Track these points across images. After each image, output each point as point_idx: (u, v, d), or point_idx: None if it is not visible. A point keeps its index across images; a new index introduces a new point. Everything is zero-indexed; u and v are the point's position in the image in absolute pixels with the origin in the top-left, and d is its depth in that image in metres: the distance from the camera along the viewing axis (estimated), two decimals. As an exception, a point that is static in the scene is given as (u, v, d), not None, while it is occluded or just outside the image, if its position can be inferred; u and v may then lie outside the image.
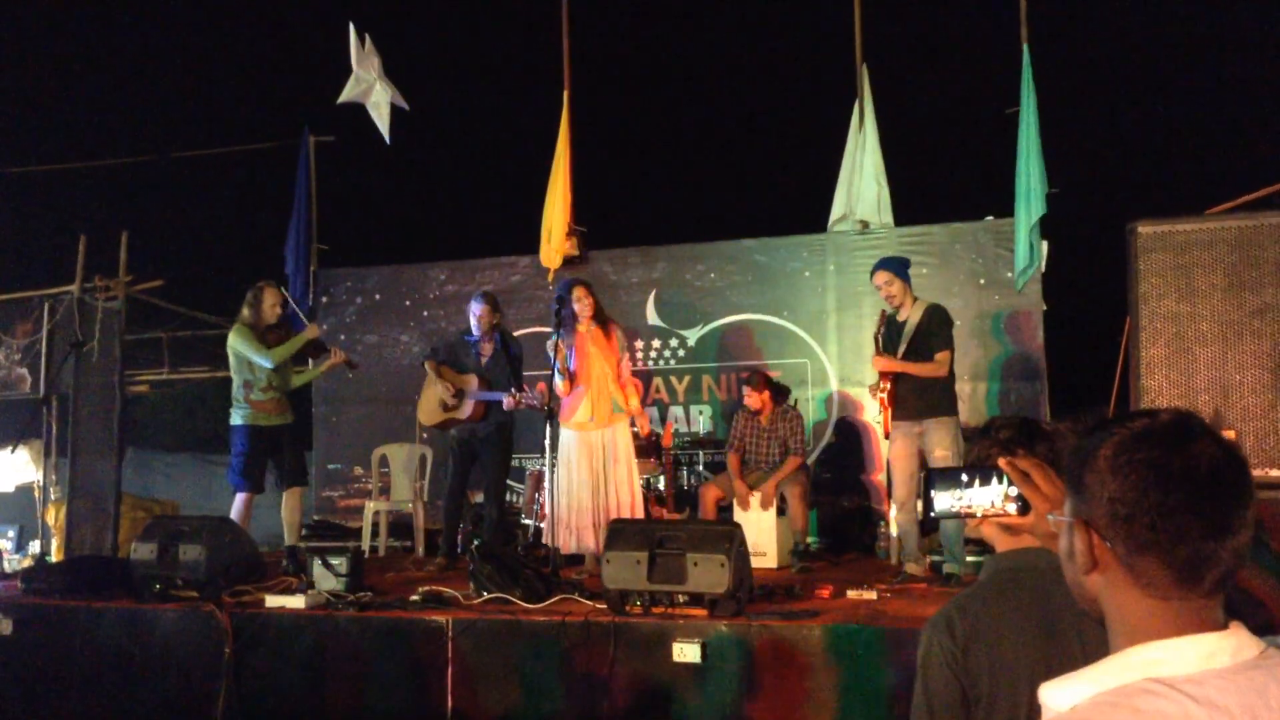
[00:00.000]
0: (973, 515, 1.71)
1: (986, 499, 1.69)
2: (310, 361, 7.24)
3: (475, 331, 7.05)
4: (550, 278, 8.95)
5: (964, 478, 1.70)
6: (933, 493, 1.69)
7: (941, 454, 5.77)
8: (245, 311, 6.75)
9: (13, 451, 9.18)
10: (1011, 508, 1.68)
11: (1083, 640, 1.98)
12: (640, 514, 6.58)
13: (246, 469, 6.63)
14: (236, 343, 6.67)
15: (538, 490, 7.80)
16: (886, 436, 6.04)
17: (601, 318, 6.63)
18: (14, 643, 5.58)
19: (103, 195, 13.82)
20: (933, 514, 1.68)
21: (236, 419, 6.69)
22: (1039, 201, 7.35)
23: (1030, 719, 1.99)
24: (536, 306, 9.06)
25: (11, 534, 9.45)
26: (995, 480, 1.69)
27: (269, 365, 6.59)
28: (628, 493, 6.53)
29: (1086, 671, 1.19)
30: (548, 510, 6.59)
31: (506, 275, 9.34)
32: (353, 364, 7.22)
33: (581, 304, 6.53)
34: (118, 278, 8.17)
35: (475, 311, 7.03)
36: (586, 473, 6.48)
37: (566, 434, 6.57)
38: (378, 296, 9.69)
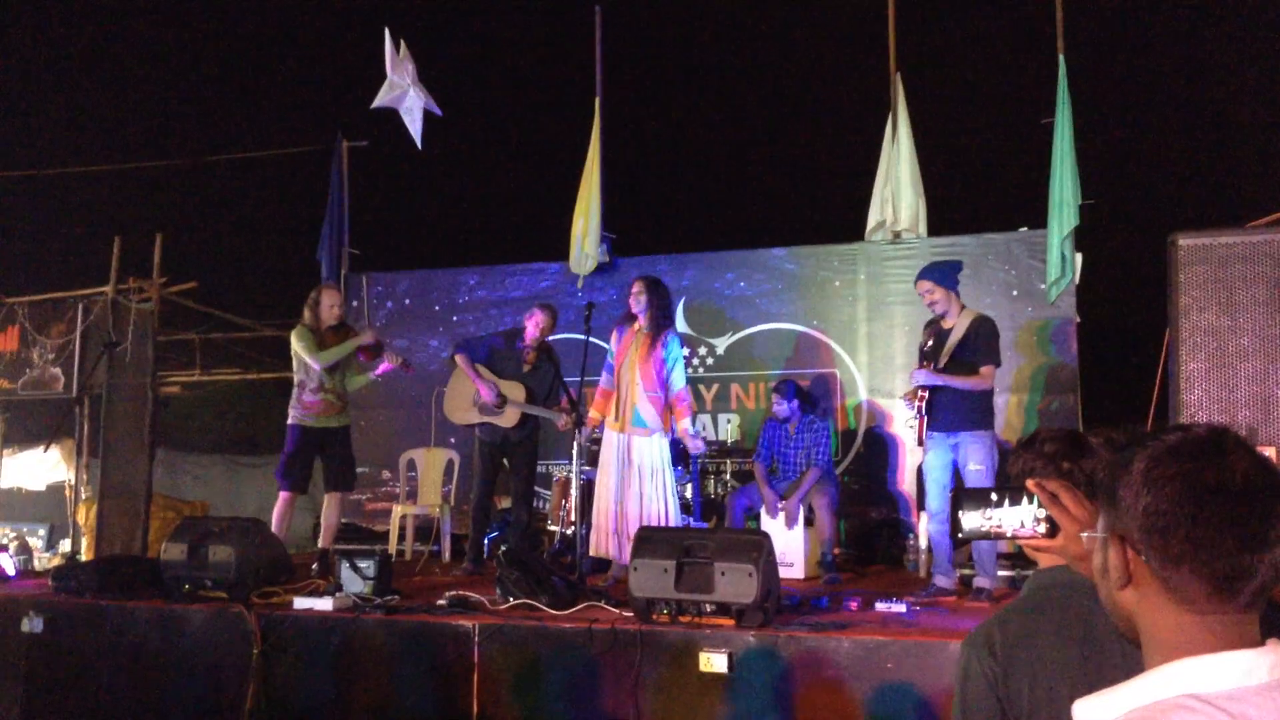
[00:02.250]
0: (1002, 535, 1.68)
1: (1016, 519, 1.66)
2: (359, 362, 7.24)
3: (528, 339, 7.06)
4: (580, 284, 8.95)
5: (993, 497, 1.67)
6: (961, 513, 1.66)
7: (976, 467, 5.69)
8: (306, 313, 6.84)
9: (45, 450, 9.27)
10: (1041, 529, 1.65)
11: (1126, 659, 1.94)
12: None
13: (287, 467, 6.70)
14: (294, 343, 6.78)
15: (564, 497, 7.79)
16: (920, 444, 5.95)
17: (655, 324, 6.49)
18: (45, 640, 5.63)
19: (138, 197, 13.95)
20: (961, 534, 1.65)
21: (289, 418, 6.80)
22: (1072, 212, 7.29)
23: (1070, 738, 1.96)
24: (565, 313, 9.04)
25: (42, 532, 9.57)
26: (1025, 500, 1.66)
27: (318, 366, 6.66)
28: (652, 506, 6.37)
29: (1120, 688, 1.18)
30: (574, 517, 6.56)
31: (536, 281, 9.35)
32: (408, 365, 7.23)
33: (634, 299, 6.46)
34: (151, 279, 8.23)
35: (539, 321, 7.05)
36: (612, 477, 6.42)
37: (605, 434, 6.55)
38: (408, 301, 9.72)
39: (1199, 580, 1.16)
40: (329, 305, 6.85)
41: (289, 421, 6.78)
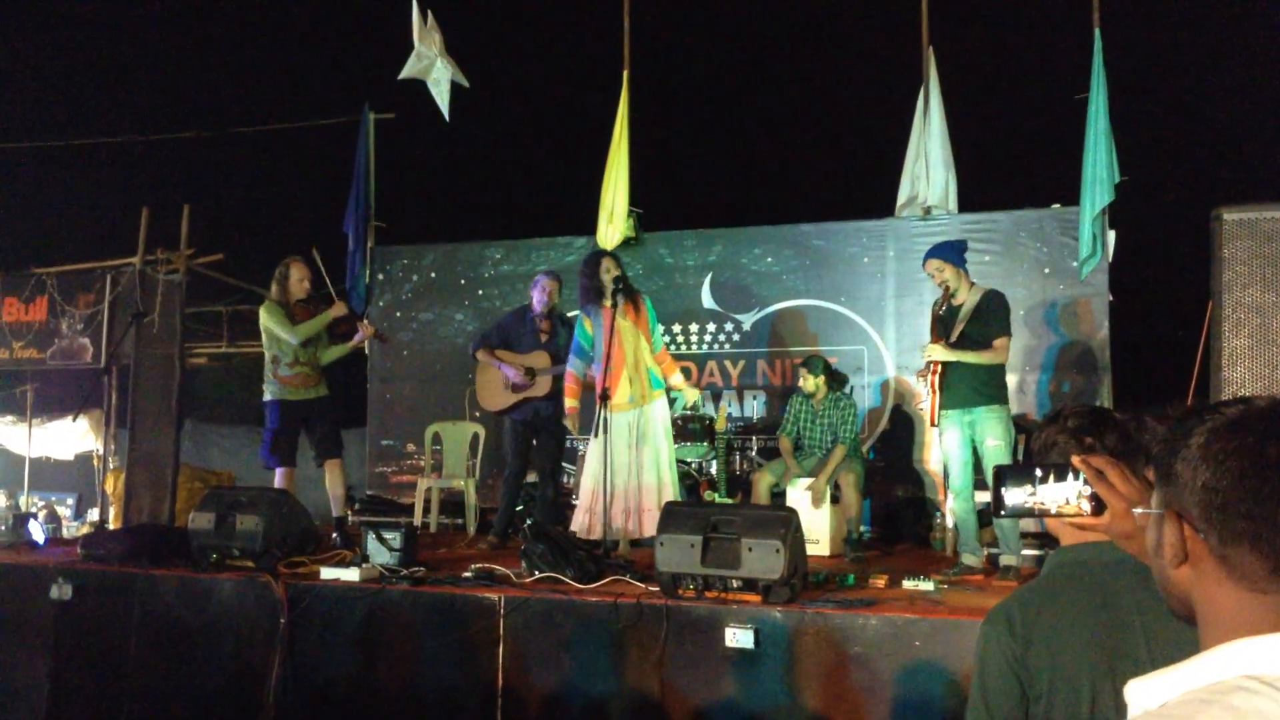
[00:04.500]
0: (1046, 513, 1.64)
1: (1060, 496, 1.62)
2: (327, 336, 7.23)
3: (538, 308, 7.07)
4: (607, 258, 8.91)
5: (1037, 474, 1.63)
6: (1003, 490, 1.62)
7: (993, 443, 5.66)
8: (273, 288, 6.84)
9: (74, 420, 9.34)
10: (1086, 506, 1.61)
11: (1148, 637, 1.93)
12: (672, 496, 6.27)
13: (274, 444, 6.71)
14: (265, 319, 6.75)
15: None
16: (934, 424, 5.91)
17: (629, 291, 6.46)
18: (73, 608, 5.68)
19: (165, 169, 14.00)
20: (1003, 512, 1.62)
21: (267, 394, 6.78)
22: (1105, 189, 7.19)
23: (1092, 716, 1.94)
24: (592, 287, 9.04)
25: (71, 501, 9.65)
26: (1070, 477, 1.62)
27: (294, 342, 6.64)
28: (655, 475, 6.28)
29: (1177, 668, 1.14)
30: (604, 494, 6.48)
31: (562, 255, 9.32)
32: (382, 337, 7.24)
33: (606, 273, 6.38)
34: (179, 251, 8.26)
35: (545, 286, 7.07)
36: (624, 455, 6.33)
37: (613, 418, 6.44)
38: (433, 274, 9.71)
39: (1259, 559, 1.12)
40: (298, 279, 6.83)
41: (266, 398, 6.75)
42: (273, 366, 6.74)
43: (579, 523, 6.32)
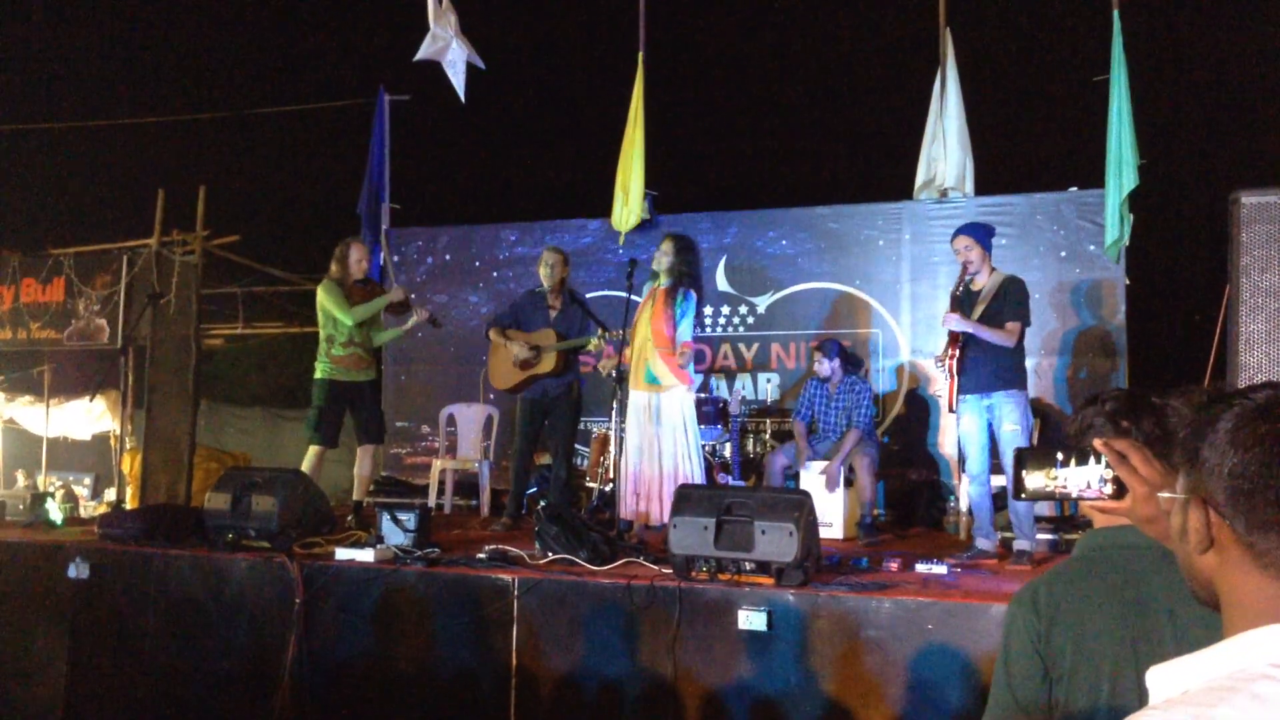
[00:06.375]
0: (1067, 496, 1.63)
1: (1082, 479, 1.60)
2: (385, 318, 7.29)
3: (546, 283, 7.06)
4: (621, 241, 8.90)
5: (1059, 457, 1.61)
6: (1024, 472, 1.61)
7: (1010, 428, 5.64)
8: (333, 267, 6.87)
9: (91, 401, 9.38)
10: (1108, 490, 1.60)
11: (1174, 623, 1.92)
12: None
13: (318, 422, 6.73)
14: (322, 298, 6.79)
15: (603, 454, 7.79)
16: (951, 409, 5.89)
17: (674, 278, 6.41)
18: (90, 586, 5.73)
19: (181, 150, 14.02)
20: (1024, 494, 1.61)
21: (317, 372, 6.82)
22: (1131, 173, 7.12)
23: (1112, 699, 1.94)
24: (606, 270, 9.02)
25: (88, 481, 9.69)
26: (1092, 460, 1.60)
27: (349, 323, 6.68)
28: (673, 464, 6.24)
29: (1199, 655, 1.13)
30: (613, 475, 6.50)
31: (577, 237, 9.30)
32: (436, 322, 7.25)
33: (659, 257, 6.35)
34: (195, 232, 8.26)
35: (547, 260, 7.06)
36: (637, 436, 6.34)
37: (630, 394, 6.45)
38: (448, 256, 9.72)
39: None
40: (356, 259, 6.86)
41: (317, 376, 6.80)
42: (326, 345, 6.80)
43: (619, 503, 6.33)
